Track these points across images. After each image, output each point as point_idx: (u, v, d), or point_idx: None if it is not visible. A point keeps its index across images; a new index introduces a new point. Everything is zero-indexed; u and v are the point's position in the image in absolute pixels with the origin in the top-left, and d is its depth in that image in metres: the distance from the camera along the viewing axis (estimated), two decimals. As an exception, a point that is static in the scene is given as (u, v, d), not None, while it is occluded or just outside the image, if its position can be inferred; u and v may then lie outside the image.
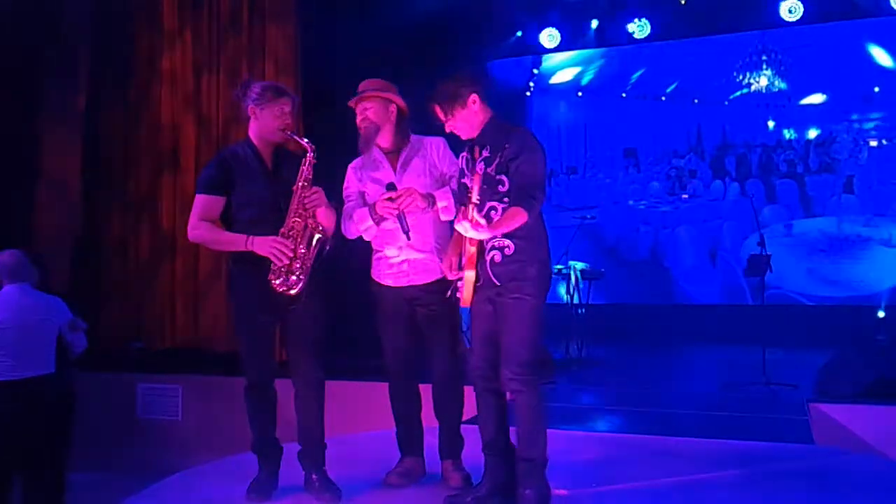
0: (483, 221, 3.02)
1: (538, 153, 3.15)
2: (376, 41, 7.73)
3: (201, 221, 3.33)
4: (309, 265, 3.25)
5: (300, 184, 3.28)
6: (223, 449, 5.44)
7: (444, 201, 3.49)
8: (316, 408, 3.44)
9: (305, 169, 3.30)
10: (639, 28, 10.07)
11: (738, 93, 10.13)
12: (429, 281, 3.53)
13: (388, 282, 3.59)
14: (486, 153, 3.19)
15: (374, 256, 3.65)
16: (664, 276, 10.23)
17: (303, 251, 3.24)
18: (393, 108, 3.59)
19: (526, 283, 3.09)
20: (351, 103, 3.64)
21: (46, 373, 4.66)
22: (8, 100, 7.43)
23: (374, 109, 3.56)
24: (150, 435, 7.11)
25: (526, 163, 3.10)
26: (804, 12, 9.41)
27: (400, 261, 3.55)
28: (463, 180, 3.30)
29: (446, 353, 3.56)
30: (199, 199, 3.35)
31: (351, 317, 7.22)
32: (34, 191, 7.62)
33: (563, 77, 10.95)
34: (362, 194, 3.62)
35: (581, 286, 7.72)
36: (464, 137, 3.29)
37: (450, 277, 3.28)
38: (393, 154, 3.61)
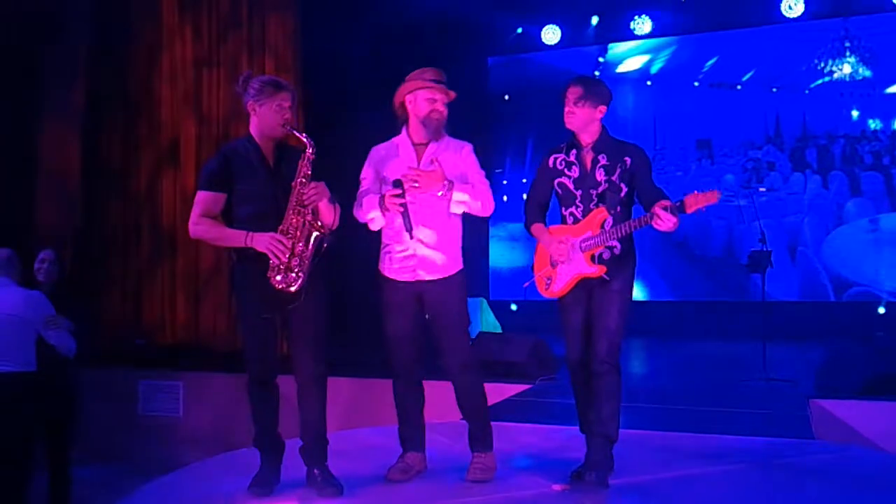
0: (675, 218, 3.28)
1: (651, 166, 3.58)
2: (376, 36, 7.74)
3: (202, 218, 3.33)
4: (308, 263, 3.24)
5: (299, 180, 3.28)
6: (224, 445, 5.46)
7: (465, 195, 3.46)
8: (318, 403, 3.44)
9: (304, 165, 3.29)
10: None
11: (820, 81, 9.70)
12: (437, 277, 3.50)
13: (396, 276, 3.55)
14: (603, 161, 3.50)
15: (383, 249, 3.60)
16: (739, 273, 9.53)
17: (301, 248, 3.24)
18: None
19: (627, 278, 3.51)
20: (438, 88, 3.52)
21: (22, 370, 4.57)
22: (8, 96, 7.42)
23: (445, 104, 3.54)
24: (152, 431, 7.12)
25: (650, 174, 3.53)
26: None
27: (408, 255, 3.51)
28: (561, 179, 3.54)
29: (461, 346, 3.53)
30: (200, 196, 3.34)
31: (353, 312, 7.25)
32: (34, 186, 7.62)
33: (630, 65, 10.55)
34: (379, 181, 3.57)
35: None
36: (568, 127, 3.52)
37: (545, 273, 3.59)
38: (421, 147, 3.56)
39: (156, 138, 7.75)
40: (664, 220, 3.26)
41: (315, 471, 3.41)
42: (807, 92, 9.77)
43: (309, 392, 3.42)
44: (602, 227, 3.46)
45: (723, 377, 6.68)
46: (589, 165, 3.52)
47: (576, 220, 3.53)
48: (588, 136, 3.54)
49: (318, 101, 7.01)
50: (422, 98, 3.51)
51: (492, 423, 3.62)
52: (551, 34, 10.51)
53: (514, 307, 10.32)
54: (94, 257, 7.86)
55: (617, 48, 10.55)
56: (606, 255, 3.47)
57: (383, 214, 3.48)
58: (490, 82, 11.12)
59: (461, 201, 3.47)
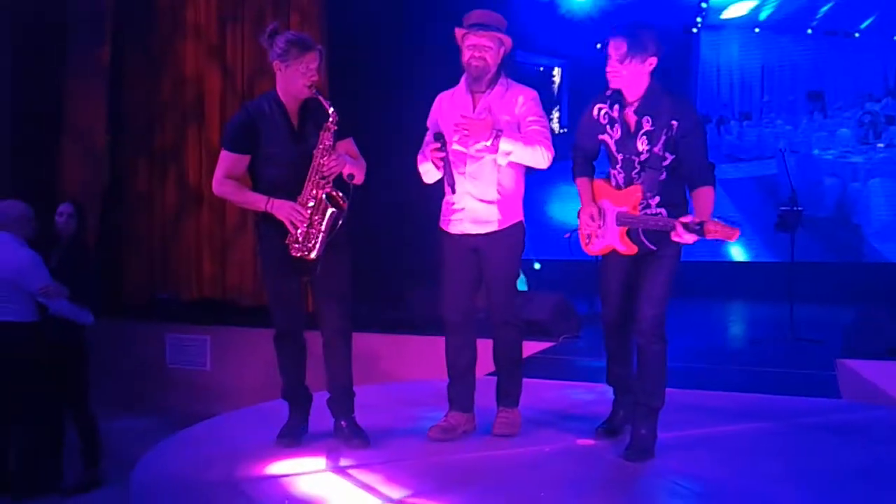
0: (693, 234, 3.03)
1: (703, 127, 3.26)
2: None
3: (226, 179, 3.35)
4: (324, 235, 3.24)
5: (320, 150, 3.26)
6: (251, 398, 5.52)
7: (513, 145, 3.32)
8: (344, 356, 3.47)
9: (325, 136, 3.26)
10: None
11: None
12: (486, 231, 3.43)
13: (450, 229, 3.50)
14: (647, 125, 3.17)
15: (443, 201, 3.54)
16: (853, 233, 9.15)
17: (318, 219, 3.24)
18: (503, 49, 3.43)
19: (675, 246, 3.19)
20: (479, 34, 3.37)
21: (21, 319, 4.72)
22: (32, 53, 7.44)
23: (493, 51, 3.38)
24: (179, 384, 7.23)
25: (698, 140, 3.17)
26: None
27: (458, 208, 3.44)
28: (603, 136, 3.28)
29: (504, 303, 3.47)
30: (224, 156, 3.35)
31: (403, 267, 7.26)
32: (59, 144, 7.65)
33: (736, 11, 9.70)
34: (439, 127, 3.49)
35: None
36: (613, 86, 3.20)
37: (588, 230, 3.35)
38: (479, 94, 3.44)
39: (180, 94, 7.73)
40: (680, 237, 3.05)
41: (342, 422, 3.46)
42: (932, 40, 8.98)
43: (335, 346, 3.46)
44: (644, 205, 3.22)
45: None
46: (633, 127, 3.20)
47: (617, 185, 3.30)
48: (634, 93, 3.20)
49: (343, 56, 6.95)
50: (465, 45, 3.40)
51: None
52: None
53: (537, 266, 10.28)
54: (121, 214, 7.92)
55: None
56: (636, 227, 3.23)
57: (436, 168, 3.43)
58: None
59: (507, 151, 3.33)
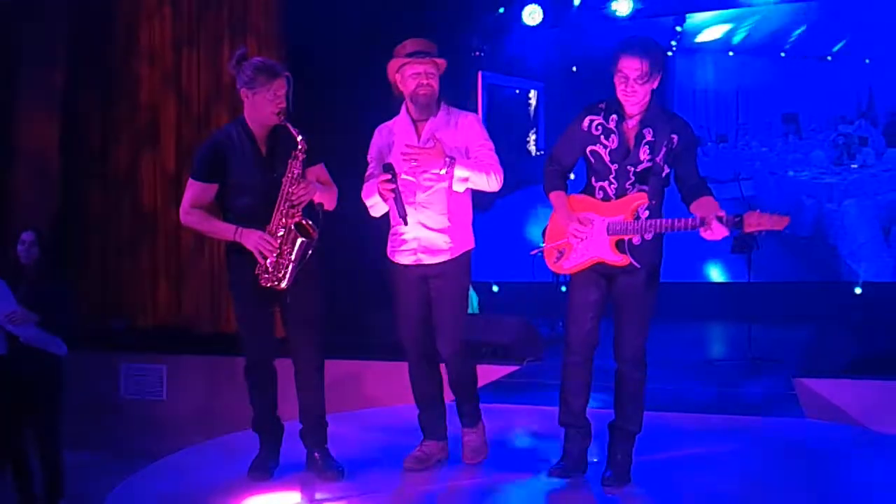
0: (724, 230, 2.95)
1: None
2: (360, 12, 7.63)
3: (193, 208, 3.30)
4: (294, 265, 3.20)
5: (288, 179, 3.22)
6: (209, 429, 5.40)
7: (467, 171, 3.30)
8: (317, 387, 3.42)
9: (294, 165, 3.22)
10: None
11: (917, 52, 8.90)
12: (439, 260, 3.39)
13: (401, 260, 3.45)
14: (649, 136, 3.12)
15: (390, 232, 3.51)
16: (829, 254, 9.24)
17: (288, 250, 3.21)
18: (439, 74, 3.42)
19: (657, 266, 3.18)
20: (421, 61, 3.34)
21: None
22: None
23: (436, 77, 3.37)
24: (134, 415, 7.04)
25: (695, 153, 3.20)
26: None
27: (410, 238, 3.40)
28: (595, 147, 3.17)
29: (452, 336, 3.41)
30: (192, 185, 3.30)
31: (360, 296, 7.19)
32: (12, 169, 7.46)
33: (711, 35, 9.85)
34: (382, 160, 3.42)
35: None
36: (628, 108, 3.11)
37: (576, 239, 3.18)
38: (421, 122, 3.42)
39: (135, 118, 7.61)
40: (715, 232, 2.94)
41: (315, 454, 3.40)
42: (903, 63, 9.02)
43: (307, 376, 3.41)
44: (637, 214, 3.12)
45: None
46: (631, 139, 3.13)
47: (606, 197, 3.17)
48: (636, 106, 3.13)
49: (304, 79, 6.90)
50: (407, 74, 3.36)
51: (482, 405, 3.59)
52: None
53: (495, 288, 10.32)
54: (73, 239, 7.73)
55: (696, 17, 9.87)
56: (637, 241, 3.15)
57: (383, 200, 3.35)
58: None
59: (463, 178, 3.30)
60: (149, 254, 7.59)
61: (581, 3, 9.91)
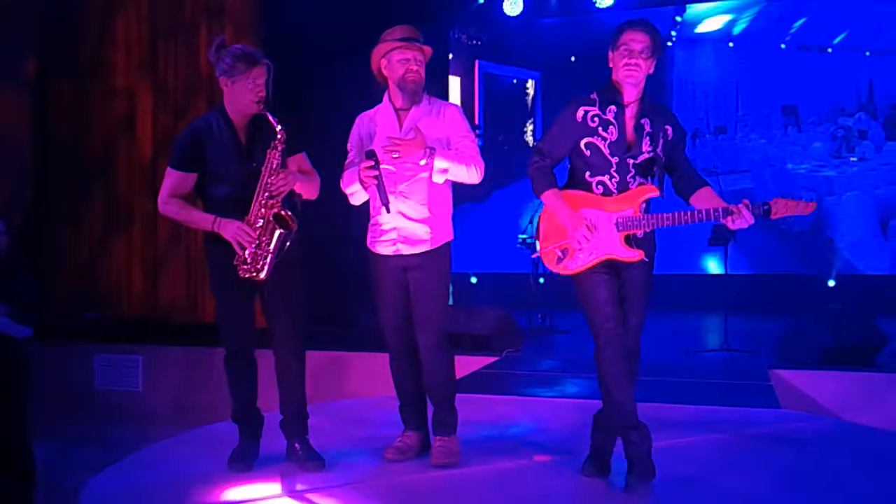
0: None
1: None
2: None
3: (172, 198, 3.26)
4: (272, 256, 3.17)
5: (267, 170, 3.19)
6: (187, 420, 5.36)
7: (447, 162, 3.27)
8: (297, 377, 3.40)
9: (273, 156, 3.18)
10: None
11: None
12: (419, 251, 3.36)
13: (381, 250, 3.42)
14: (647, 126, 3.03)
15: (369, 223, 3.48)
16: (827, 247, 9.26)
17: (266, 240, 3.17)
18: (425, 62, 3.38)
19: (653, 259, 3.11)
20: (411, 47, 3.31)
21: None
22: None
23: (423, 64, 3.34)
24: (110, 407, 6.96)
25: (685, 146, 3.14)
26: None
27: (389, 228, 3.37)
28: (591, 139, 3.03)
29: (433, 326, 3.37)
30: (170, 175, 3.26)
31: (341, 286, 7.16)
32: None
33: (710, 26, 9.82)
34: (362, 149, 3.39)
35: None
36: (629, 81, 2.98)
37: (580, 244, 3.02)
38: (404, 112, 3.39)
39: (110, 107, 7.52)
40: (745, 220, 2.88)
41: (296, 445, 3.38)
42: (903, 56, 9.02)
43: (288, 367, 3.38)
44: (645, 208, 3.02)
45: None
46: (631, 129, 3.02)
47: (607, 192, 3.04)
48: (634, 93, 3.01)
49: (282, 67, 6.85)
50: (395, 60, 3.32)
51: (462, 394, 3.55)
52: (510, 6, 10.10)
53: (473, 280, 10.33)
54: (47, 227, 7.63)
55: (696, 7, 9.85)
56: (640, 234, 3.04)
57: (364, 188, 3.32)
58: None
59: (443, 169, 3.28)
60: (125, 243, 7.51)
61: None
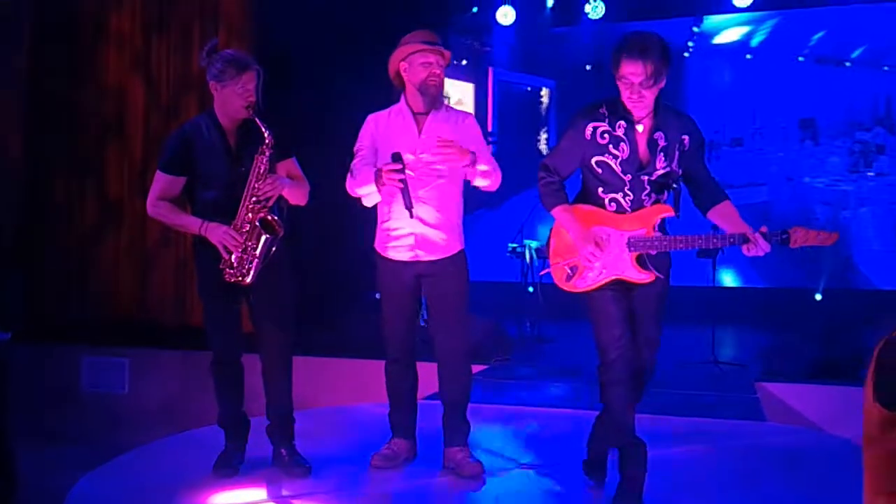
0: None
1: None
2: (332, 3, 7.58)
3: (160, 200, 3.27)
4: (258, 261, 3.17)
5: (254, 175, 3.19)
6: (172, 424, 5.34)
7: (485, 165, 3.25)
8: (284, 382, 3.40)
9: (261, 161, 3.18)
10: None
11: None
12: (437, 257, 3.32)
13: (393, 255, 3.37)
14: (661, 141, 2.89)
15: (379, 226, 3.41)
16: (843, 261, 9.11)
17: (252, 245, 3.17)
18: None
19: (668, 277, 3.01)
20: (433, 51, 3.29)
21: None
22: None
23: (443, 68, 3.32)
24: (96, 409, 6.92)
25: (703, 155, 2.99)
26: None
27: (406, 233, 3.32)
28: (602, 158, 2.91)
29: (458, 332, 3.35)
30: (159, 178, 3.27)
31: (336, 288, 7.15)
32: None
33: (728, 37, 9.72)
34: (375, 150, 3.36)
35: (535, 265, 7.74)
36: (636, 114, 2.86)
37: (592, 261, 2.92)
38: (422, 116, 3.36)
39: (102, 106, 7.48)
40: (760, 248, 2.74)
41: (282, 450, 3.37)
42: (922, 71, 8.93)
43: (275, 371, 3.38)
44: (659, 228, 2.93)
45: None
46: (643, 146, 2.89)
47: (620, 209, 2.93)
48: (644, 110, 2.87)
49: (274, 69, 6.84)
50: (417, 63, 3.30)
51: None
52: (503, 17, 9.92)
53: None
54: (36, 228, 7.58)
55: (713, 18, 9.72)
56: (653, 252, 2.92)
57: (379, 190, 3.26)
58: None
59: (483, 172, 3.26)
60: (113, 244, 7.47)
61: (554, 3, 9.91)
